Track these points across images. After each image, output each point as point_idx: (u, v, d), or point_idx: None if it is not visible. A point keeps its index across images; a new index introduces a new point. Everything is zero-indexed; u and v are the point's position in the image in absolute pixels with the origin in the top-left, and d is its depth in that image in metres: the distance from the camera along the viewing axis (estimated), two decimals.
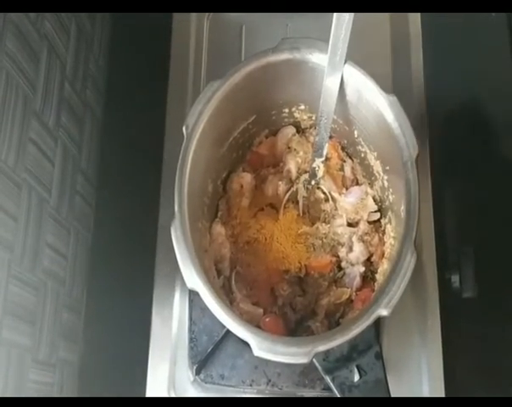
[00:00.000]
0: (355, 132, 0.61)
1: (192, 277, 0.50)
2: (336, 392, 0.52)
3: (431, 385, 0.63)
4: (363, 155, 0.63)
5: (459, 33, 0.77)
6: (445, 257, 0.67)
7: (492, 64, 0.75)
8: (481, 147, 0.73)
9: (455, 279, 0.64)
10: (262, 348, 0.48)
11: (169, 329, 0.65)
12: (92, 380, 0.69)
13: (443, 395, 0.62)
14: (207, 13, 0.76)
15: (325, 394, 0.60)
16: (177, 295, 0.66)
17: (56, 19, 0.64)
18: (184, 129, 0.54)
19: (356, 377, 0.52)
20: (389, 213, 0.60)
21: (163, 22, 0.75)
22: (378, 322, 0.54)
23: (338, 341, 0.48)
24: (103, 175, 0.77)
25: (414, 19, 0.76)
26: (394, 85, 0.72)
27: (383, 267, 0.60)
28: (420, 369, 0.64)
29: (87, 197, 0.74)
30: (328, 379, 0.52)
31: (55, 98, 0.65)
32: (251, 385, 0.60)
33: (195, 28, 0.76)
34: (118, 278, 0.71)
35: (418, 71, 0.73)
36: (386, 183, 0.60)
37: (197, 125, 0.54)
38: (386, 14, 0.76)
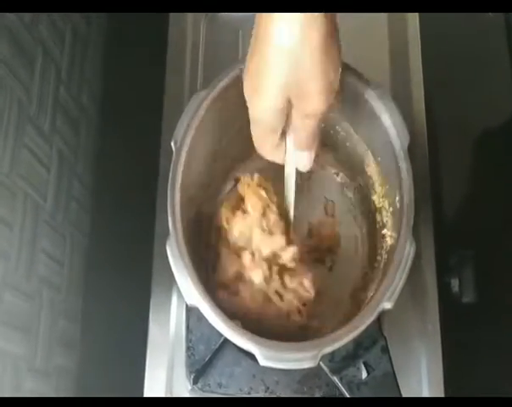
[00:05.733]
0: (345, 125, 0.61)
1: (190, 294, 0.49)
2: (344, 392, 0.51)
3: (430, 389, 0.63)
4: (352, 147, 0.62)
5: (458, 33, 0.76)
6: (445, 261, 0.66)
7: (491, 63, 0.75)
8: (482, 148, 0.73)
9: (455, 283, 0.64)
10: (267, 357, 0.47)
11: (167, 337, 0.64)
12: (89, 388, 0.69)
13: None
14: (204, 15, 0.76)
15: None
16: (174, 303, 0.66)
17: (51, 23, 0.64)
18: (172, 144, 0.53)
19: (364, 374, 0.51)
20: (386, 205, 0.60)
21: (159, 25, 0.75)
22: (381, 316, 0.54)
23: (345, 340, 0.48)
24: (100, 180, 0.76)
25: (413, 19, 0.75)
26: (392, 87, 0.72)
27: (383, 259, 0.60)
28: (419, 373, 0.63)
29: (83, 203, 0.74)
30: (336, 379, 0.52)
31: (50, 103, 0.64)
32: (249, 393, 0.59)
33: (191, 30, 0.75)
34: (114, 284, 0.70)
35: (417, 73, 0.73)
36: (378, 175, 0.60)
37: (186, 138, 0.53)
38: (384, 15, 0.75)
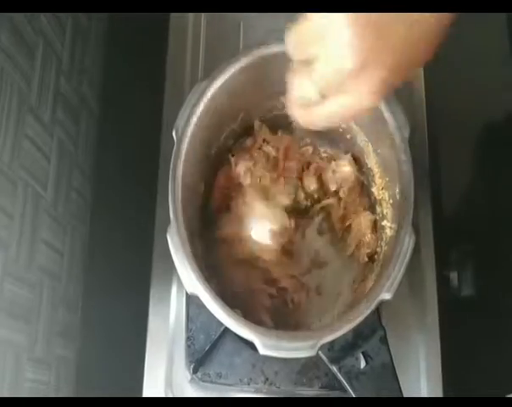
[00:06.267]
0: None
1: (190, 282, 0.50)
2: (343, 381, 0.52)
3: (429, 383, 0.63)
4: (352, 139, 0.63)
5: (459, 26, 0.76)
6: (444, 254, 0.66)
7: (491, 54, 0.75)
8: (482, 140, 0.73)
9: (454, 277, 0.64)
10: (267, 346, 0.48)
11: (166, 327, 0.65)
12: (89, 377, 0.69)
13: (441, 393, 0.62)
14: None
15: (323, 393, 0.60)
16: (174, 293, 0.66)
17: (52, 13, 0.64)
18: (174, 133, 0.54)
19: (362, 364, 0.52)
20: (386, 197, 0.60)
21: (160, 17, 0.74)
22: (380, 307, 0.54)
23: (344, 330, 0.48)
24: (100, 170, 0.76)
25: None
26: None
27: (383, 250, 0.60)
28: (418, 364, 0.64)
29: (84, 193, 0.74)
30: (335, 369, 0.52)
31: (51, 93, 0.64)
32: (249, 384, 0.59)
33: (192, 24, 0.75)
34: (115, 275, 0.70)
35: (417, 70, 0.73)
36: (378, 167, 0.60)
37: (187, 127, 0.53)
38: None
